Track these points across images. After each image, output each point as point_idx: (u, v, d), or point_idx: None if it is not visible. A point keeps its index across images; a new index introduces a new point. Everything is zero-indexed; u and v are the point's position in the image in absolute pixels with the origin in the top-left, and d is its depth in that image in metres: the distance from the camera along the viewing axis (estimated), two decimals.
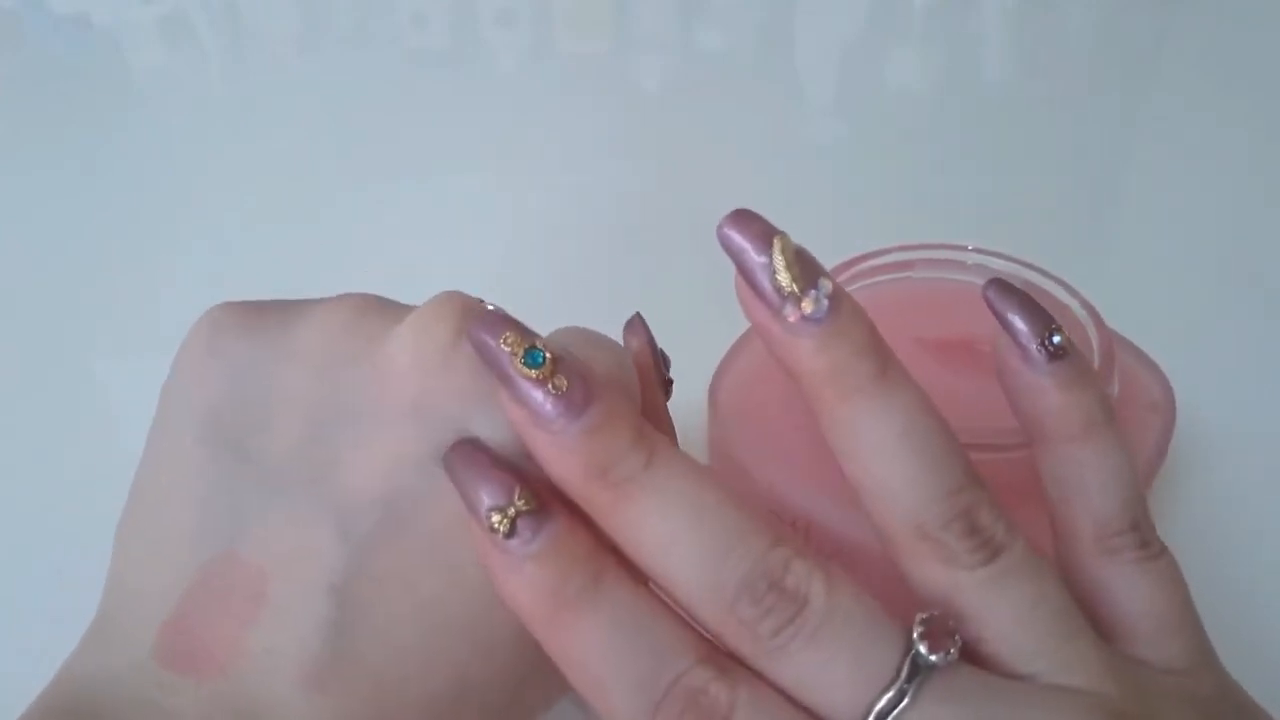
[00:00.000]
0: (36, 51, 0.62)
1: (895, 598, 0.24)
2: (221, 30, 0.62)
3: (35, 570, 0.20)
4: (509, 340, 0.17)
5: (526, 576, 0.17)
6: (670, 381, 0.23)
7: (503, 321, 0.17)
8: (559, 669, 0.17)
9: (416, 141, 0.49)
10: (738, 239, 0.18)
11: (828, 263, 0.27)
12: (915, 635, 0.16)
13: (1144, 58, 0.56)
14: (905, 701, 0.15)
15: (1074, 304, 0.25)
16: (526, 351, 0.17)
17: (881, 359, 0.18)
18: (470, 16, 0.60)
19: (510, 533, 0.17)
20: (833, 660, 0.16)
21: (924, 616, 0.16)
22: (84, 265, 0.42)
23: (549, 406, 0.17)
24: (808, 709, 0.16)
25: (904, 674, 0.16)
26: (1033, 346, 0.19)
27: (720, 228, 0.18)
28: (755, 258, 0.18)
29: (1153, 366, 0.27)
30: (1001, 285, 0.19)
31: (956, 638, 0.16)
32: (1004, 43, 0.57)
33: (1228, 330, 0.34)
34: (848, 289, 0.26)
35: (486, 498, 0.17)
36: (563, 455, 0.17)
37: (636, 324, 0.23)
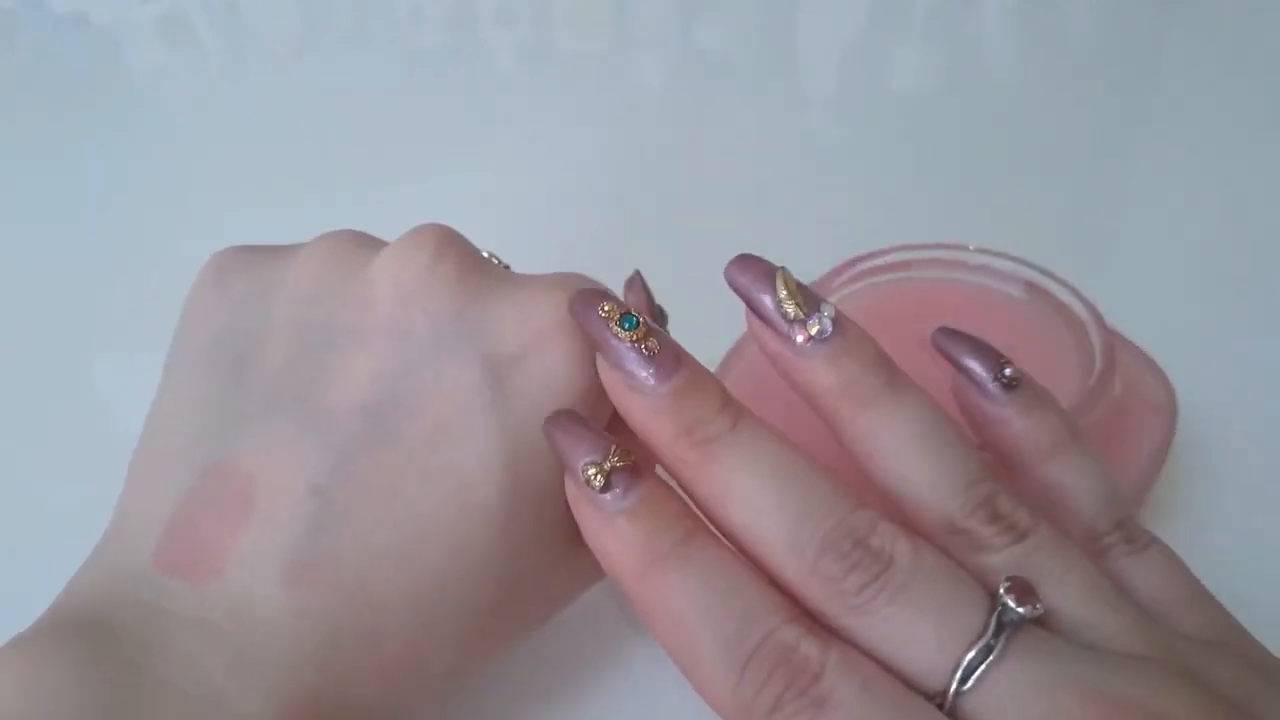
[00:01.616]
0: (35, 51, 0.62)
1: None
2: (220, 29, 0.62)
3: (35, 570, 0.20)
4: (606, 309, 0.19)
5: (619, 531, 0.17)
6: None
7: (601, 294, 0.19)
8: (648, 621, 0.17)
9: (416, 141, 0.49)
10: (743, 280, 0.19)
11: (828, 263, 0.27)
12: (1001, 590, 0.16)
13: (1144, 58, 0.56)
14: (992, 657, 0.16)
15: (1075, 304, 0.25)
16: (622, 316, 0.19)
17: (889, 370, 0.19)
18: (470, 16, 0.60)
19: (605, 487, 0.18)
20: (919, 617, 0.16)
21: (1009, 576, 0.17)
22: (83, 265, 0.42)
23: (642, 367, 0.18)
24: (895, 669, 0.16)
25: (990, 629, 0.16)
26: (989, 383, 0.20)
27: (726, 272, 0.20)
28: (761, 294, 0.19)
29: (1154, 367, 0.26)
30: (948, 332, 0.21)
31: (1039, 598, 0.16)
32: (1004, 43, 0.57)
33: (1229, 330, 0.34)
34: (848, 289, 0.27)
35: (584, 453, 0.18)
36: (654, 415, 0.18)
37: (635, 281, 0.25)
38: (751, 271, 0.19)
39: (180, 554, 0.18)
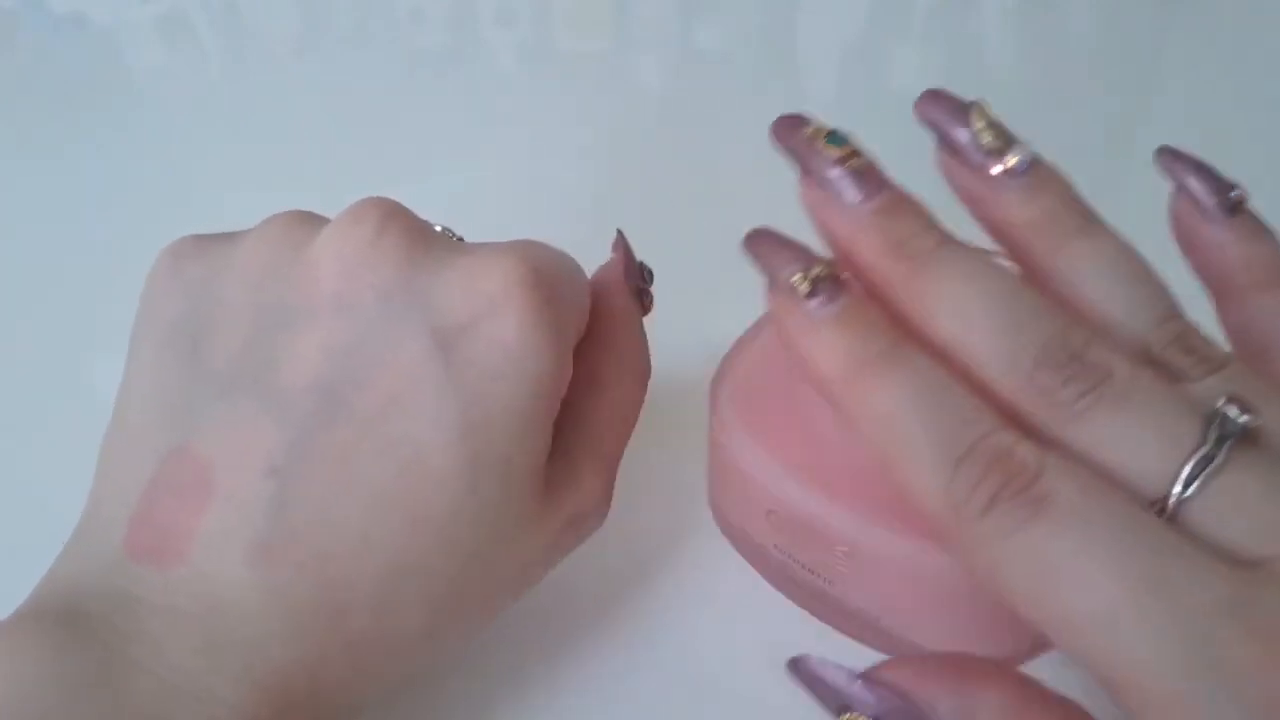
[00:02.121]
0: (34, 51, 0.62)
1: (899, 595, 0.24)
2: (220, 30, 0.62)
3: (35, 572, 0.20)
4: (809, 130, 0.19)
5: (826, 337, 0.17)
6: (646, 293, 0.24)
7: (801, 118, 0.19)
8: (854, 426, 0.17)
9: (416, 141, 0.49)
10: (936, 112, 0.19)
11: None
12: (1220, 403, 0.16)
13: (1144, 58, 0.56)
14: (1213, 465, 0.15)
15: None
16: (829, 134, 0.19)
17: (1085, 206, 0.19)
18: (470, 16, 0.60)
19: (811, 294, 0.17)
20: (1139, 426, 0.16)
21: (1229, 392, 0.16)
22: (83, 265, 0.42)
23: (849, 183, 0.18)
24: (1114, 478, 0.16)
25: (1211, 440, 0.16)
26: (1211, 202, 0.19)
27: (917, 107, 0.19)
28: (957, 125, 0.19)
29: None
30: (1171, 151, 0.20)
31: (1257, 410, 0.16)
32: (1004, 43, 0.57)
33: None
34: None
35: (788, 261, 0.18)
36: (861, 231, 0.18)
37: (618, 240, 0.25)
38: (945, 104, 0.19)
39: (146, 541, 0.19)
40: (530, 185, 0.44)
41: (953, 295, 0.17)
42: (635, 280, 0.25)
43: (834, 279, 0.18)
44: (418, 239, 0.21)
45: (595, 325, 0.23)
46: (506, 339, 0.20)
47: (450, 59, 0.58)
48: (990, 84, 0.54)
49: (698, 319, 0.25)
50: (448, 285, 0.20)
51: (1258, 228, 0.19)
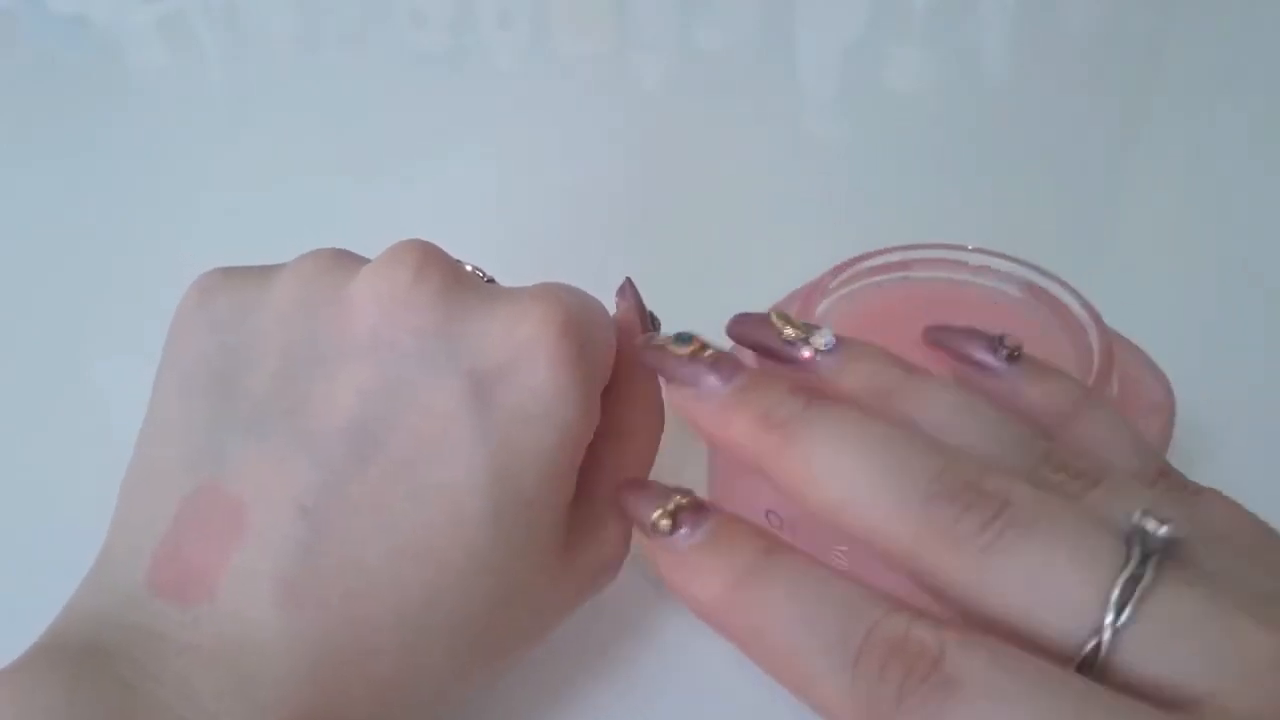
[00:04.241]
0: (34, 51, 0.62)
1: (898, 594, 0.23)
2: (221, 30, 0.62)
3: (34, 573, 0.20)
4: (659, 340, 0.20)
5: (695, 565, 0.17)
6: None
7: (651, 334, 0.21)
8: (746, 653, 0.16)
9: (416, 141, 0.49)
10: (743, 328, 0.21)
11: (828, 263, 0.27)
12: (1137, 516, 0.15)
13: (1144, 58, 0.56)
14: (1143, 584, 0.14)
15: (1074, 304, 0.25)
16: (675, 337, 0.20)
17: (903, 362, 0.19)
18: (470, 16, 0.60)
19: (673, 527, 0.17)
20: (1053, 551, 0.15)
21: (1145, 503, 0.15)
22: (82, 265, 0.42)
23: (705, 371, 0.19)
24: (1028, 635, 0.15)
25: (1135, 557, 0.14)
26: (992, 359, 0.20)
27: (730, 332, 0.21)
28: (764, 334, 0.21)
29: (1153, 367, 0.26)
30: (939, 327, 0.21)
31: (1179, 518, 0.15)
32: (1004, 43, 0.57)
33: (1228, 330, 0.34)
34: (847, 289, 0.27)
35: (650, 505, 0.18)
36: (726, 410, 0.18)
37: (626, 288, 0.25)
38: (747, 321, 0.21)
39: (171, 576, 0.19)
40: (530, 186, 0.44)
41: (827, 454, 0.17)
42: (648, 328, 0.25)
43: (695, 506, 0.18)
44: (454, 283, 0.21)
45: (618, 372, 0.23)
46: (539, 386, 0.20)
47: (450, 60, 0.58)
48: (990, 84, 0.54)
49: (697, 318, 0.24)
50: (484, 332, 0.20)
51: (1041, 366, 0.20)
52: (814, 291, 0.26)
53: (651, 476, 0.24)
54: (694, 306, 0.25)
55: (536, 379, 0.20)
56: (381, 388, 0.19)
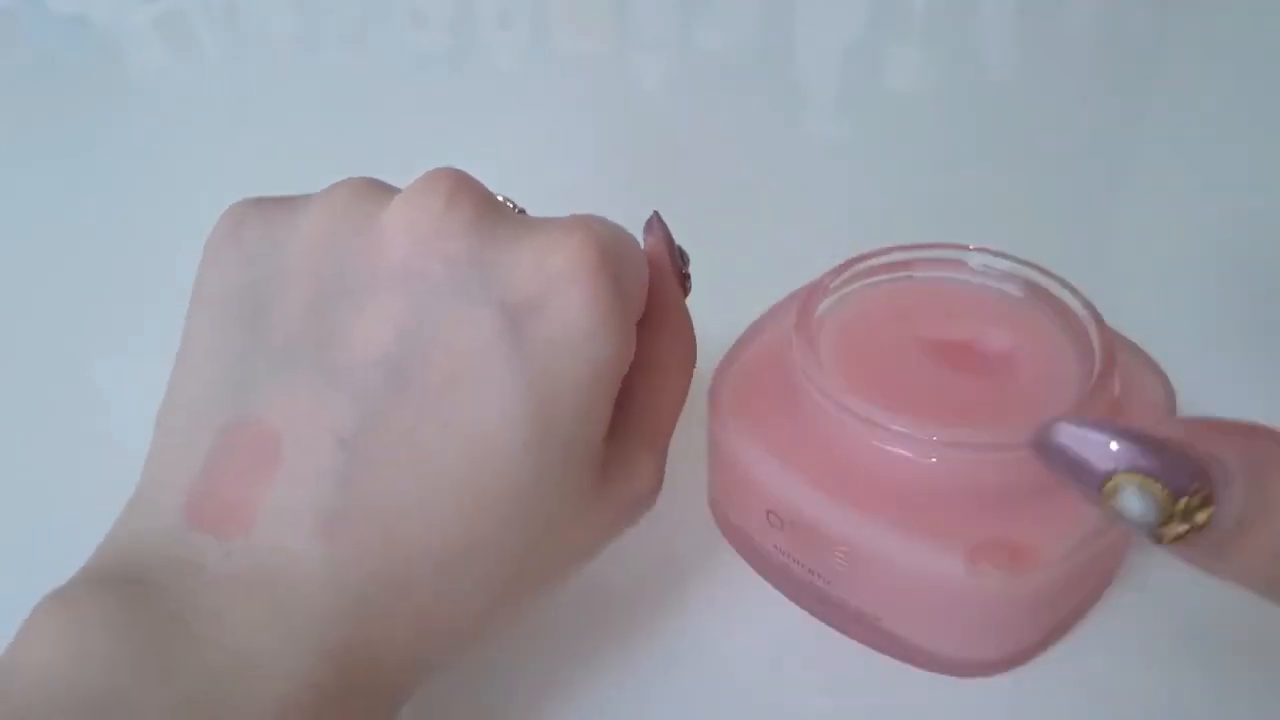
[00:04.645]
0: (34, 51, 0.62)
1: (898, 596, 0.23)
2: (220, 30, 0.62)
3: (35, 574, 0.20)
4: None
5: None
6: (687, 276, 0.24)
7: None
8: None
9: (416, 141, 0.49)
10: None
11: (828, 263, 0.27)
12: None
13: (1144, 58, 0.56)
14: None
15: (1074, 304, 0.25)
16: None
17: None
18: (470, 16, 0.60)
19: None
20: None
21: None
22: (82, 265, 0.42)
23: None
24: None
25: None
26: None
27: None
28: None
29: (1153, 366, 0.26)
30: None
31: None
32: (1004, 43, 0.57)
33: (1228, 330, 0.34)
34: (847, 289, 0.27)
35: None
36: None
37: (654, 222, 0.25)
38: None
39: (209, 510, 0.18)
40: (530, 185, 0.44)
41: None
42: (677, 263, 0.25)
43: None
44: (486, 212, 0.20)
45: (650, 306, 0.23)
46: (575, 318, 0.20)
47: (450, 60, 0.58)
48: (990, 84, 0.54)
49: (698, 319, 0.24)
50: (517, 261, 0.20)
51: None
52: (814, 291, 0.26)
53: None
54: (693, 306, 0.25)
55: (571, 312, 0.19)
56: (415, 319, 0.19)
